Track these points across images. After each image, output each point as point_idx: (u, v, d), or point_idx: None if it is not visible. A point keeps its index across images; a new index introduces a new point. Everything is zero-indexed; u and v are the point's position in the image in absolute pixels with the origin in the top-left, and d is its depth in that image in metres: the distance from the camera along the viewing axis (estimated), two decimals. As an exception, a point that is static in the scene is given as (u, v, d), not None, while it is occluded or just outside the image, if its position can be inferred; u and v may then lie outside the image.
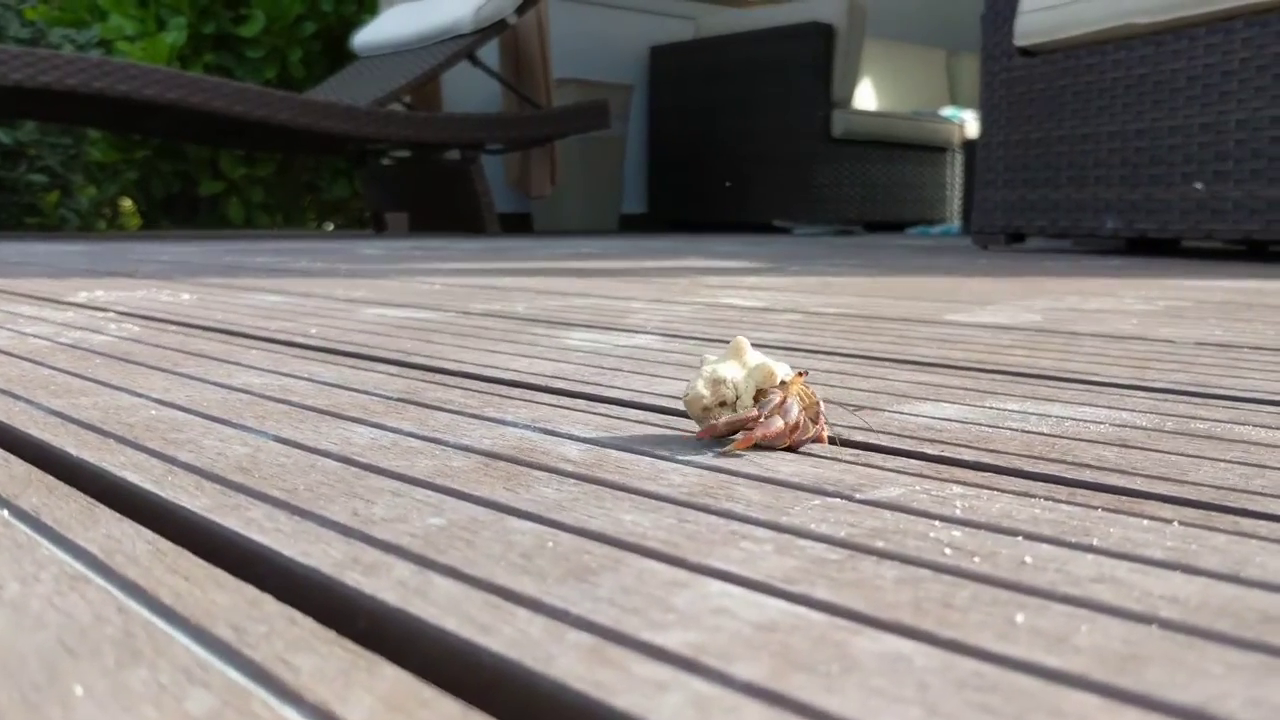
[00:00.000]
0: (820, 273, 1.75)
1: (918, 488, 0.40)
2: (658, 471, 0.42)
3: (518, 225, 4.42)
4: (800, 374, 0.46)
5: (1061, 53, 2.38)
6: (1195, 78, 2.08)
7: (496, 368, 0.70)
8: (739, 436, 0.44)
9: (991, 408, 0.57)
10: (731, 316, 1.04)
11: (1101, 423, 0.53)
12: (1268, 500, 0.38)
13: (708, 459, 0.44)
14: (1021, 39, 2.44)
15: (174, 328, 0.93)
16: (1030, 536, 0.33)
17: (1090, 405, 0.58)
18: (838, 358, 0.76)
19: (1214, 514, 0.36)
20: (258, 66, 4.75)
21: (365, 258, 2.17)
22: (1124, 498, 0.39)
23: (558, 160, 4.18)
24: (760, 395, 0.46)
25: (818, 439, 0.46)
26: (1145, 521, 0.35)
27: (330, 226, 5.29)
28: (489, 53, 4.08)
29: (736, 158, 4.38)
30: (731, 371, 0.46)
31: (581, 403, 0.58)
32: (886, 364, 0.73)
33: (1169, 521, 0.35)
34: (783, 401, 0.45)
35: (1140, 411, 0.56)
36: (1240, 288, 1.41)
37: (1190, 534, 0.34)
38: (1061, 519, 0.36)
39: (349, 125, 3.55)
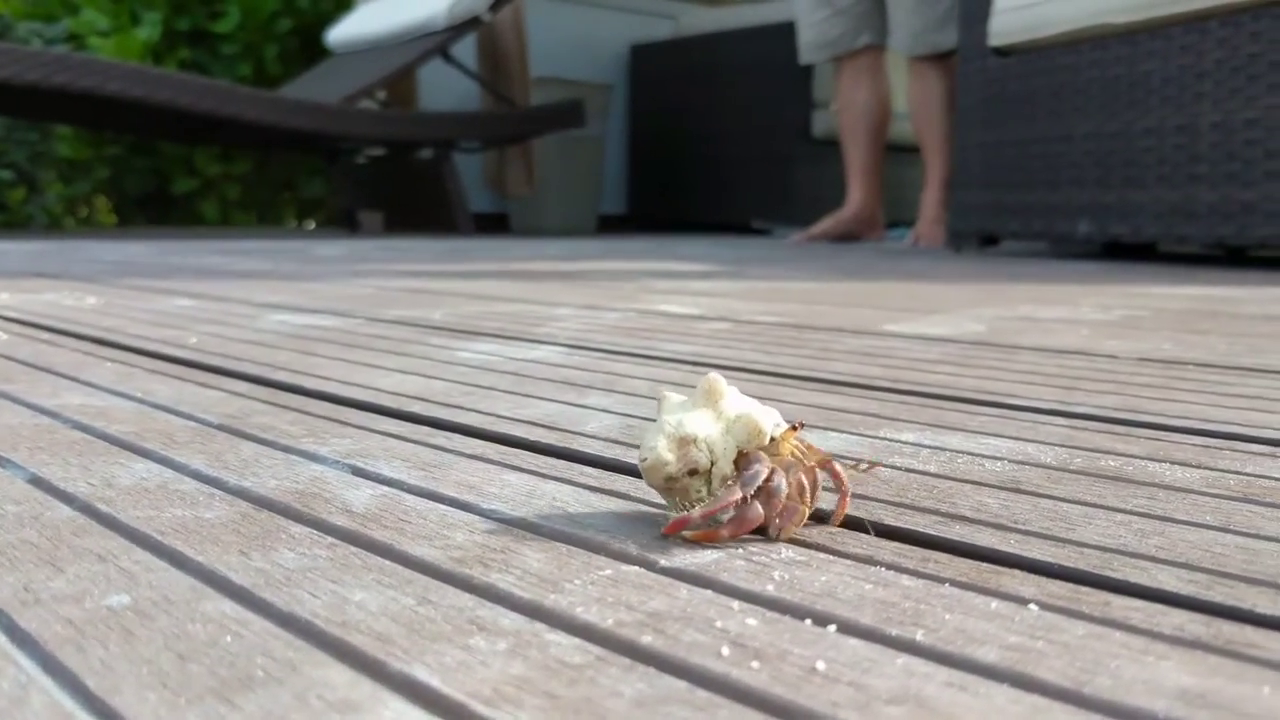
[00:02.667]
0: (778, 277, 1.68)
1: (740, 550, 0.33)
2: (444, 527, 0.35)
3: (494, 225, 4.35)
4: (794, 426, 0.35)
5: (1036, 53, 2.32)
6: (1170, 78, 2.02)
7: (358, 386, 0.63)
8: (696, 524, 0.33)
9: (882, 438, 0.50)
10: (656, 325, 0.97)
11: (1000, 458, 0.46)
12: (1154, 569, 0.31)
13: (515, 508, 0.37)
14: (996, 39, 2.37)
15: (46, 335, 0.86)
16: (844, 627, 0.27)
17: (996, 436, 0.51)
18: (745, 374, 0.70)
19: (1084, 591, 0.30)
20: (233, 63, 4.68)
21: (319, 259, 2.10)
22: (985, 566, 0.32)
23: (534, 160, 4.11)
24: (742, 459, 0.35)
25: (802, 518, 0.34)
26: (996, 603, 0.29)
27: (312, 225, 5.21)
28: (466, 50, 4.01)
29: (717, 158, 4.31)
30: (704, 425, 0.35)
31: (422, 430, 0.51)
32: (792, 382, 0.67)
33: (1025, 603, 0.29)
34: (770, 476, 0.34)
35: (1049, 444, 0.49)
36: (1206, 295, 1.34)
37: (1045, 622, 0.27)
38: (894, 598, 0.29)
39: (318, 122, 3.48)
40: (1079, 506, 0.39)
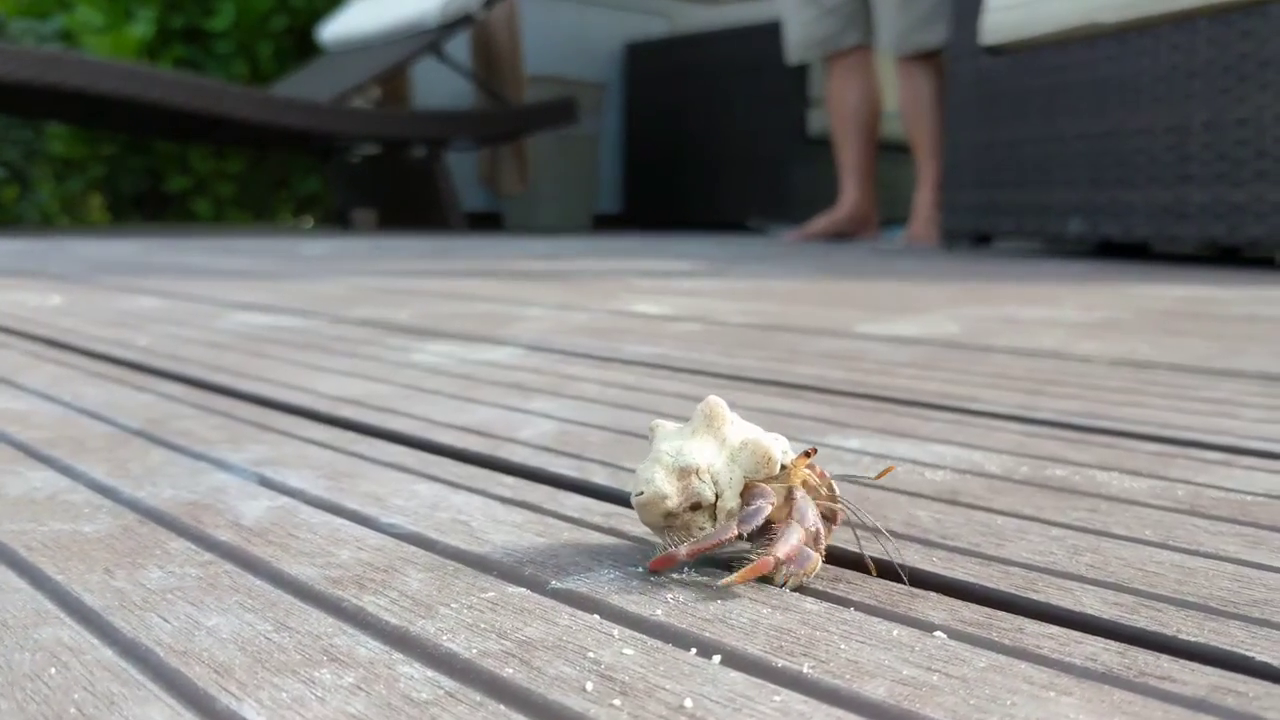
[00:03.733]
0: (763, 276, 1.66)
1: (638, 571, 0.31)
2: (332, 543, 0.33)
3: (488, 224, 4.33)
4: (807, 454, 0.31)
5: (1028, 51, 2.29)
6: (1160, 78, 1.99)
7: (297, 389, 0.61)
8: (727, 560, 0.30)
9: (828, 445, 0.48)
10: (625, 326, 0.95)
11: (944, 467, 0.44)
12: (1080, 590, 0.29)
13: (415, 521, 0.35)
14: (988, 37, 2.35)
15: (-4, 337, 0.84)
16: (729, 658, 0.25)
17: (945, 442, 0.49)
18: (702, 376, 0.68)
19: (999, 617, 0.28)
20: (227, 61, 4.66)
21: (304, 257, 2.08)
22: (899, 588, 0.30)
23: (528, 158, 4.09)
24: (749, 491, 0.31)
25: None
26: (899, 630, 0.27)
27: (310, 223, 5.19)
28: (459, 48, 3.99)
29: (712, 157, 4.29)
30: (706, 454, 0.31)
31: (347, 436, 0.49)
32: (749, 385, 0.64)
33: (932, 630, 0.27)
34: (789, 508, 0.30)
35: (999, 451, 0.47)
36: (1193, 296, 1.32)
37: (947, 653, 0.25)
38: (791, 625, 0.27)
39: (310, 120, 3.47)
40: (1015, 520, 0.37)
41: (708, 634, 0.26)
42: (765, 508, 0.30)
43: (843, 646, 0.25)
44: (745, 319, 1.03)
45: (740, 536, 0.29)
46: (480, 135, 3.78)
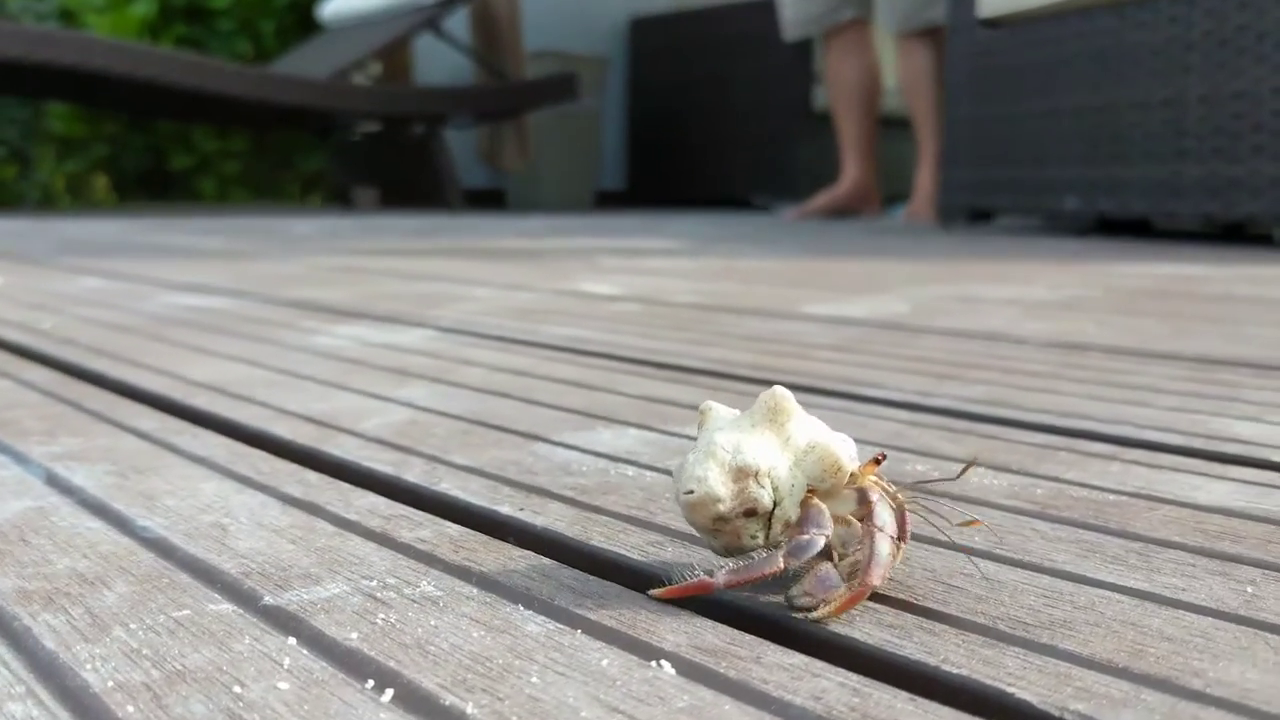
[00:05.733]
0: (743, 255, 1.63)
1: (370, 584, 0.28)
2: (61, 550, 0.30)
3: (490, 201, 4.30)
4: (876, 460, 0.28)
5: (1025, 24, 2.24)
6: (1157, 50, 1.94)
7: (166, 375, 0.59)
8: (808, 590, 0.26)
9: (687, 436, 0.45)
10: (562, 307, 0.92)
11: (799, 463, 0.41)
12: (855, 611, 0.26)
13: (173, 525, 0.32)
14: (985, 10, 2.30)
15: (-100, 319, 0.82)
16: (400, 693, 0.22)
17: (817, 435, 0.45)
18: (603, 359, 0.64)
19: (741, 642, 0.25)
20: (229, 39, 4.63)
21: (287, 236, 2.06)
22: (646, 606, 0.27)
23: (529, 135, 4.05)
24: (808, 503, 0.27)
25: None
26: (613, 659, 0.23)
27: (319, 202, 5.16)
28: (459, 24, 3.95)
29: (717, 133, 4.24)
30: (767, 454, 0.27)
31: (178, 426, 0.46)
32: (648, 369, 0.61)
33: (656, 660, 0.23)
34: (871, 526, 0.26)
35: (870, 443, 0.44)
36: (1174, 274, 1.28)
37: (649, 689, 0.22)
38: (495, 650, 0.24)
39: (307, 98, 3.44)
40: (837, 523, 0.33)
41: (394, 662, 0.23)
42: (819, 541, 0.26)
43: (534, 680, 0.22)
44: (692, 299, 0.99)
45: (785, 571, 0.26)
46: (479, 112, 3.74)
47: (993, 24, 2.32)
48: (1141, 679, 0.23)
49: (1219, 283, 1.18)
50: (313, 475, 0.39)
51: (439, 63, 4.12)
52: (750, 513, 0.27)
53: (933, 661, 0.24)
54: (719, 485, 0.26)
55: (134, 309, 0.89)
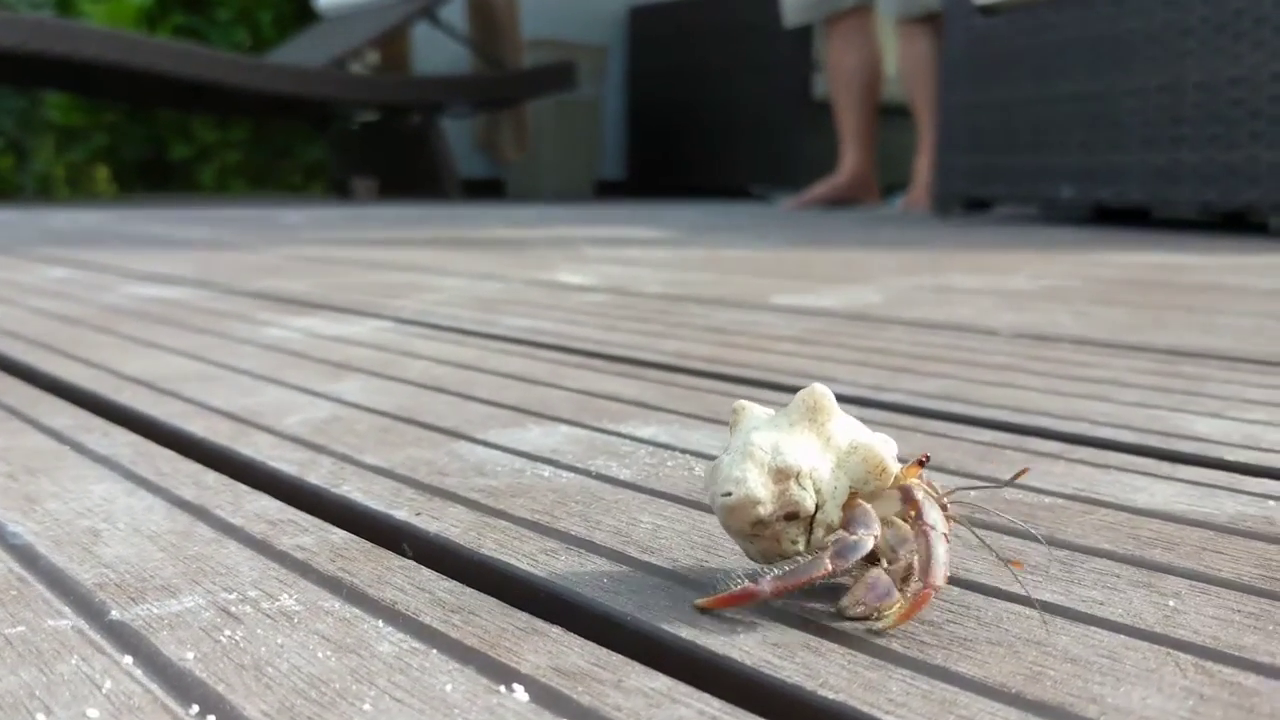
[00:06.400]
0: (727, 245, 1.60)
1: (231, 596, 0.26)
2: (-88, 558, 0.28)
3: (489, 190, 4.28)
4: (920, 462, 0.26)
5: (1021, 10, 2.21)
6: (1154, 36, 1.91)
7: (101, 369, 0.57)
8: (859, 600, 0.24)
9: (615, 433, 0.43)
10: (527, 298, 0.90)
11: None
12: (742, 630, 0.24)
13: (43, 532, 0.31)
14: (982, -6, 2.27)
15: None
16: (222, 718, 0.20)
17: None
18: (555, 352, 0.62)
19: (608, 661, 0.23)
20: (228, 28, 4.61)
21: (273, 226, 2.04)
22: (521, 620, 0.25)
23: (527, 124, 4.03)
24: (851, 507, 0.26)
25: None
26: (458, 685, 0.22)
27: (322, 191, 5.14)
28: (456, 13, 3.92)
29: (717, 122, 4.21)
30: (809, 455, 0.26)
31: (90, 424, 0.44)
32: (597, 362, 0.59)
33: (509, 684, 0.22)
34: (923, 525, 0.25)
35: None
36: (1160, 263, 1.26)
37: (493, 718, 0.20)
38: (337, 673, 0.22)
39: (302, 87, 3.42)
40: (716, 525, 0.31)
41: (224, 685, 0.21)
42: (867, 542, 0.24)
43: (367, 708, 0.20)
44: (663, 289, 0.97)
45: (833, 574, 0.24)
46: (476, 101, 3.72)
47: (989, 10, 2.30)
48: (1032, 706, 0.21)
49: (1206, 272, 1.15)
50: (212, 476, 0.37)
51: (438, 52, 4.10)
52: (791, 516, 0.25)
53: (810, 685, 0.22)
54: (759, 487, 0.25)
55: (90, 300, 0.87)
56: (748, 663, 0.23)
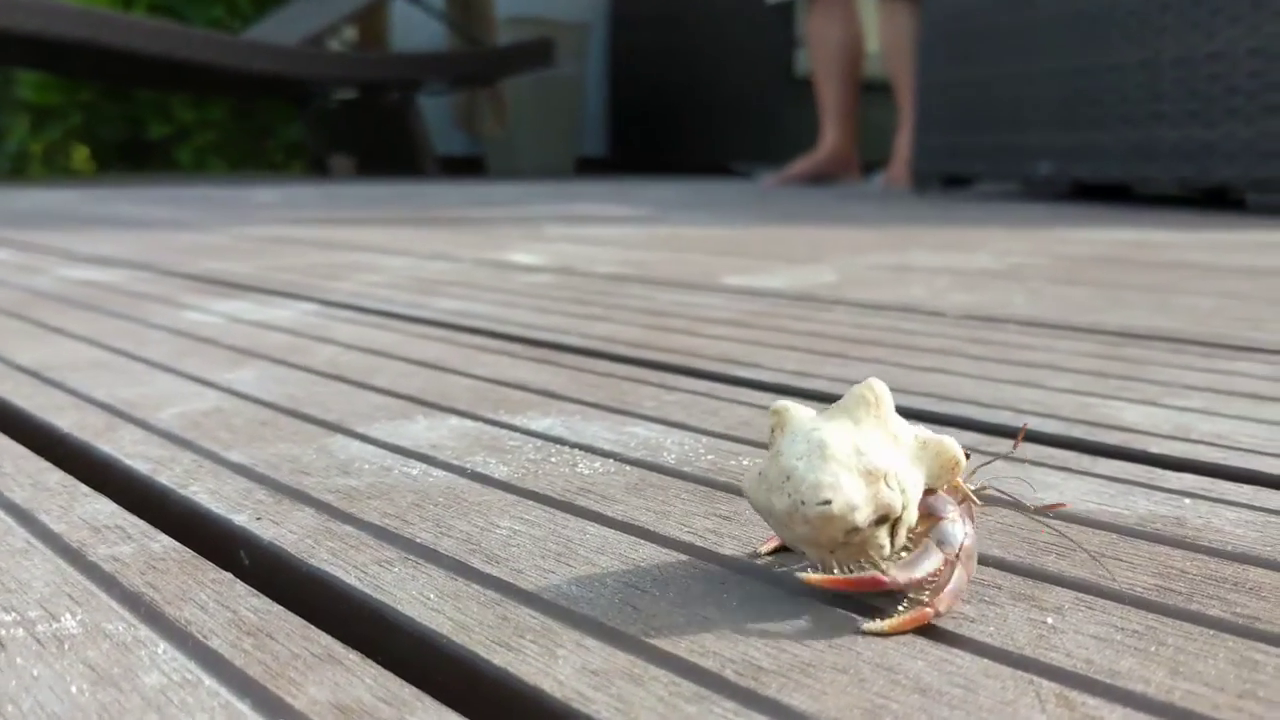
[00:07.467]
0: (695, 223, 1.58)
1: (29, 613, 0.23)
2: None
3: (468, 168, 4.24)
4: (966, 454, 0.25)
5: (1000, -18, 2.18)
6: (1132, 11, 1.88)
7: (-11, 357, 0.54)
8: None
9: (508, 425, 0.41)
10: (469, 279, 0.87)
11: (613, 456, 0.36)
12: (556, 647, 0.22)
13: None
14: (959, -32, 2.24)
15: None
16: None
17: (654, 421, 0.41)
18: (477, 336, 0.60)
19: (397, 694, 0.20)
20: (204, 5, 4.56)
21: (241, 205, 2.01)
22: (320, 647, 0.22)
23: (505, 101, 3.99)
24: (926, 508, 0.25)
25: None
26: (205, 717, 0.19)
27: (302, 170, 5.09)
28: (434, -12, 3.87)
29: (699, 98, 4.17)
30: (890, 455, 0.24)
31: (-48, 418, 0.42)
32: (515, 347, 0.57)
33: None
34: (953, 561, 0.24)
35: (705, 433, 0.40)
36: (1133, 240, 1.23)
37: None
38: (132, 704, 0.19)
39: (277, 64, 3.37)
40: (593, 532, 0.29)
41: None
42: (959, 523, 0.24)
43: None
44: (614, 269, 0.95)
45: (951, 569, 0.23)
46: (453, 78, 3.68)
47: (967, -16, 2.27)
48: (861, 748, 0.18)
49: (1175, 249, 1.13)
50: (57, 476, 0.34)
51: (417, 29, 4.05)
52: (882, 520, 0.24)
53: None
54: (855, 492, 0.23)
55: (18, 284, 0.84)
56: (557, 695, 0.20)
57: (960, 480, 0.25)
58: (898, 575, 0.23)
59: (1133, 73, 1.89)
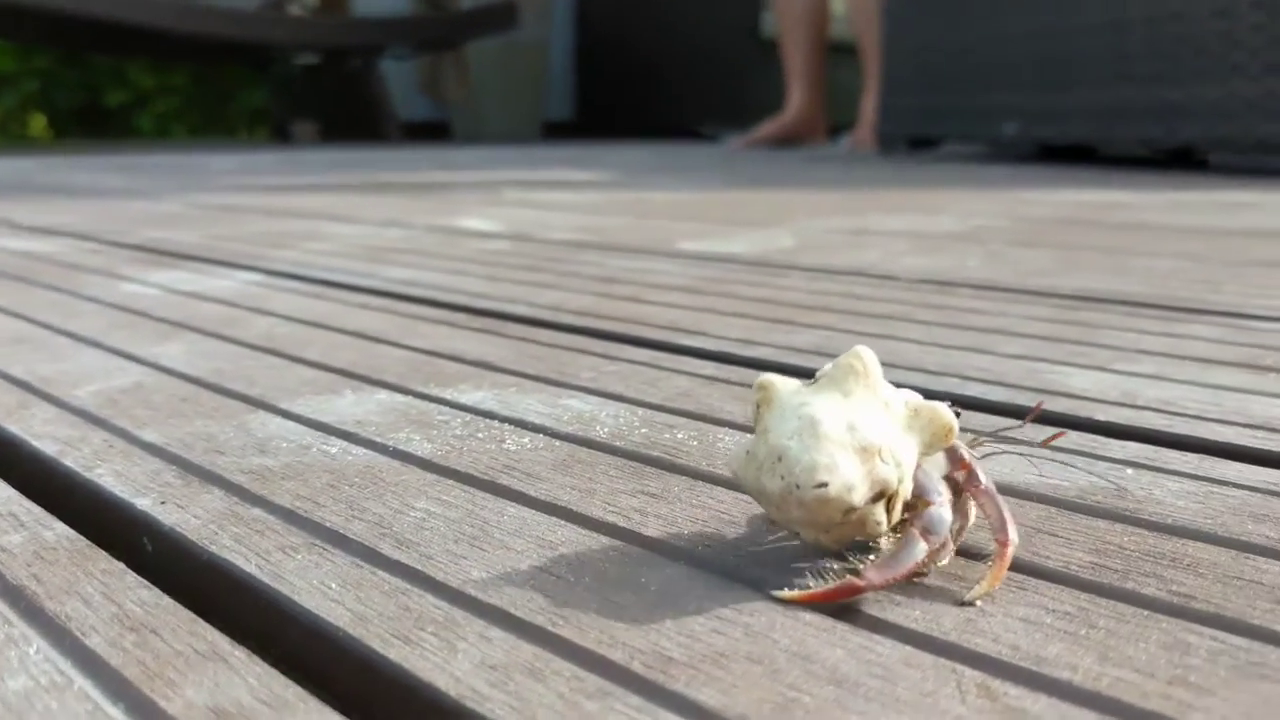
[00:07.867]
0: (656, 187, 1.56)
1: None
2: None
3: (433, 133, 4.19)
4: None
5: (966, -59, 2.16)
6: (1098, -34, 1.87)
7: (-91, 333, 0.52)
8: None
9: (438, 399, 0.39)
10: (420, 246, 0.86)
11: (544, 431, 0.35)
12: (457, 645, 0.21)
13: None
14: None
15: None
16: None
17: (590, 393, 0.40)
18: (419, 305, 0.58)
19: (303, 698, 0.19)
20: (164, -32, 4.47)
21: (197, 172, 1.97)
22: (179, 662, 0.21)
23: (469, 65, 3.94)
24: (920, 478, 0.24)
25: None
26: (94, 728, 0.18)
27: (267, 136, 5.02)
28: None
29: (666, 62, 4.14)
30: (881, 427, 0.23)
31: None
32: (458, 317, 0.55)
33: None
34: (989, 494, 0.24)
35: (641, 405, 0.38)
36: (1096, 201, 1.22)
37: None
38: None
39: (235, 30, 3.32)
40: (511, 514, 0.28)
41: None
42: (947, 507, 0.23)
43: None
44: (570, 236, 0.93)
45: (930, 553, 0.23)
46: (416, 42, 3.63)
47: (933, -56, 2.25)
48: (766, 748, 0.17)
49: (1137, 210, 1.12)
50: (-43, 459, 0.33)
51: (378, -8, 3.98)
52: (878, 497, 0.23)
53: (513, 722, 0.18)
54: (851, 471, 0.22)
55: (-46, 255, 0.82)
56: (452, 693, 0.19)
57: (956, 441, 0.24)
58: (874, 577, 0.22)
59: (1101, 34, 1.88)
